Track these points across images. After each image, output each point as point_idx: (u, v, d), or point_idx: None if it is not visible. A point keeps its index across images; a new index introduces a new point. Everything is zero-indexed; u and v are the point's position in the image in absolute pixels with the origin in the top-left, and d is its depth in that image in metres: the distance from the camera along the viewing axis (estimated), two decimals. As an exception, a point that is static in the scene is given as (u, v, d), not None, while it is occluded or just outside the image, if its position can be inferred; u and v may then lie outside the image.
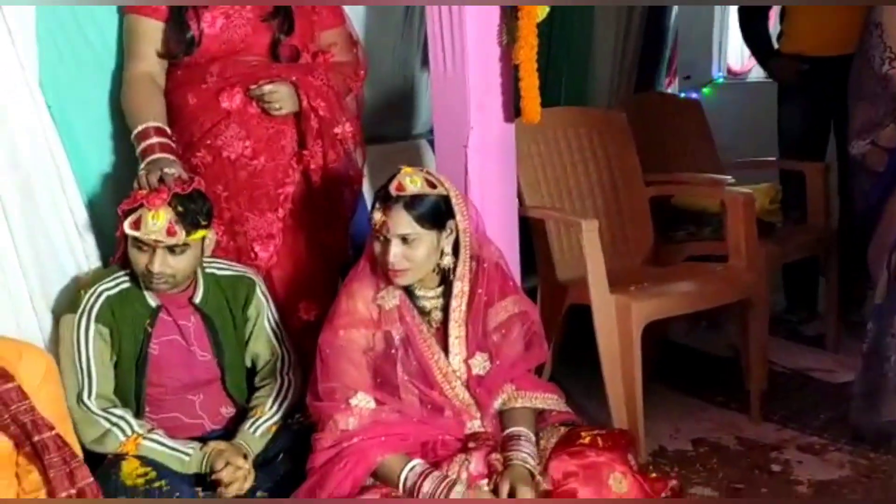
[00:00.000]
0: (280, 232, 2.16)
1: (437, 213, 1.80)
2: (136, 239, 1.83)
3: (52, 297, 1.98)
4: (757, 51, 3.56)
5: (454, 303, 1.86)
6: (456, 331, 1.86)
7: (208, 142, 2.08)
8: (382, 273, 1.83)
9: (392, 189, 1.78)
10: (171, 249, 1.84)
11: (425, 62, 3.21)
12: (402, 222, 1.77)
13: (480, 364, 1.87)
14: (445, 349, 1.86)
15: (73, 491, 1.58)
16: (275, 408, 2.01)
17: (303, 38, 2.18)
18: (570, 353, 2.66)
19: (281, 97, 2.08)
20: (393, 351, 1.83)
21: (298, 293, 2.19)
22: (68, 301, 1.94)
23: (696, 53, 4.65)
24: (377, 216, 1.79)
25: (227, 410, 2.05)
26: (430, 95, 3.21)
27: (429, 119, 3.21)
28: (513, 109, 2.25)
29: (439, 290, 1.88)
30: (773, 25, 3.66)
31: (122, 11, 2.07)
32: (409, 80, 3.26)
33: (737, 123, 3.89)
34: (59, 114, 1.97)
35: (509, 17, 2.04)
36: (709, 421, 2.70)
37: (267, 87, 2.07)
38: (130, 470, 1.75)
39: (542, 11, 2.01)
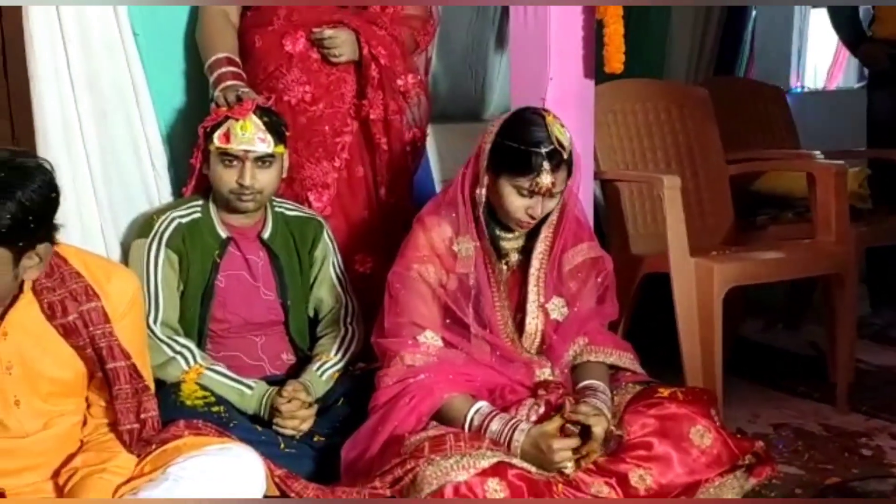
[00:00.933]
0: (335, 182, 2.12)
1: None
2: (224, 154, 1.84)
3: (122, 226, 1.97)
4: (846, 36, 3.41)
5: (539, 246, 1.77)
6: (535, 274, 1.78)
7: (270, 84, 2.06)
8: (483, 219, 1.73)
9: (559, 148, 1.66)
10: (260, 161, 1.84)
11: (499, 43, 3.19)
12: (564, 179, 1.70)
13: (558, 309, 1.79)
14: (522, 292, 1.78)
15: (136, 425, 1.53)
16: (339, 355, 1.96)
17: (373, -12, 2.15)
18: (642, 334, 2.51)
19: (341, 43, 2.06)
20: (461, 294, 1.74)
21: (354, 245, 2.15)
22: (137, 231, 1.92)
23: (773, 64, 4.50)
24: (547, 179, 1.65)
25: (288, 357, 2.00)
26: (502, 79, 3.18)
27: (498, 105, 3.15)
28: (594, 65, 2.18)
29: (523, 231, 1.80)
30: (864, 10, 3.50)
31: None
32: (482, 60, 3.21)
33: (817, 134, 3.70)
34: (143, 42, 1.97)
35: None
36: (790, 409, 2.53)
37: (328, 32, 2.05)
38: (190, 392, 1.72)
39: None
